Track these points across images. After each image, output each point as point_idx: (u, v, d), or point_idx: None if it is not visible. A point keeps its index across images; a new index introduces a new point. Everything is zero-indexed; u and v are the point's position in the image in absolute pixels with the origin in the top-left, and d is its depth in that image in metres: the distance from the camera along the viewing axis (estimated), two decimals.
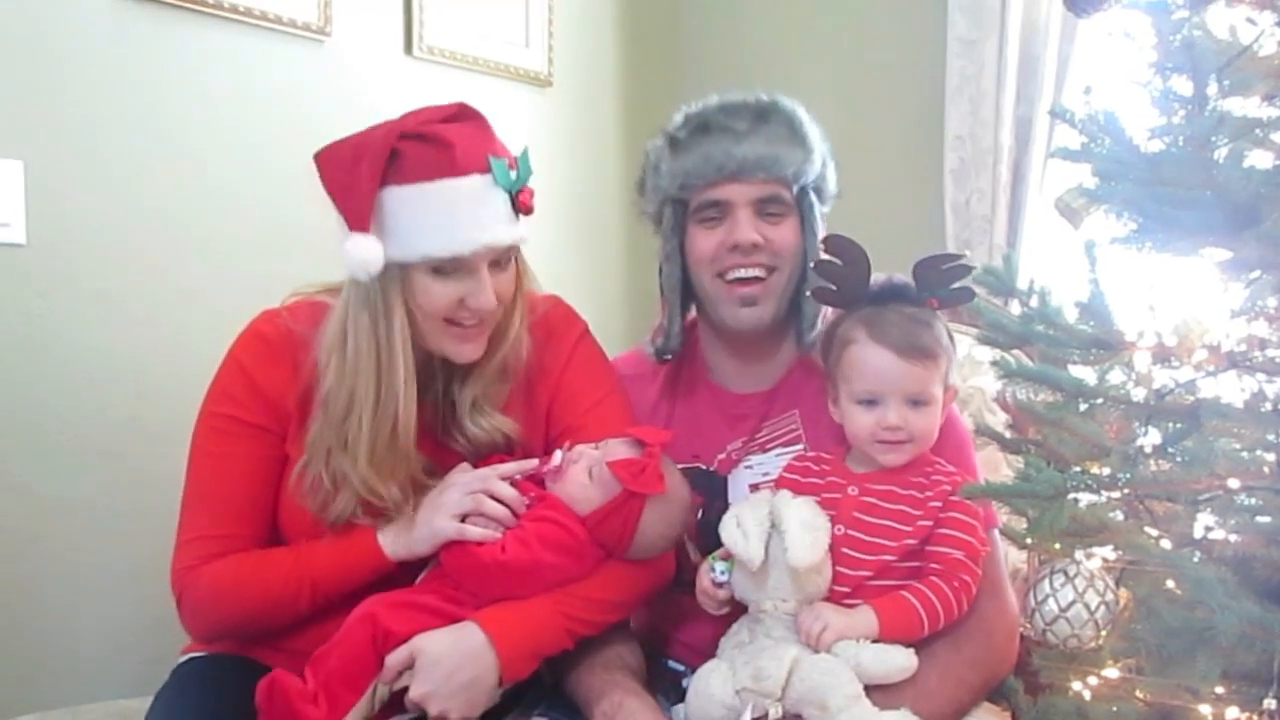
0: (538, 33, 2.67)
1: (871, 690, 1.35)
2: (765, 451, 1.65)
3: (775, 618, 1.41)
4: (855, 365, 1.47)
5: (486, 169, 1.41)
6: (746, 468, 1.65)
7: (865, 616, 1.38)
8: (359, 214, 1.38)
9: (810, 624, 1.37)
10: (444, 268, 1.42)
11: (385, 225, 1.39)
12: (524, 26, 2.65)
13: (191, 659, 1.57)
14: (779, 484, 1.54)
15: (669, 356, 1.67)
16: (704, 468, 1.65)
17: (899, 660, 1.37)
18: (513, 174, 1.44)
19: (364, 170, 1.38)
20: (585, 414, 1.59)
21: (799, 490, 1.50)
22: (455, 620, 1.42)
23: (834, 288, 1.50)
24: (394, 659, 1.39)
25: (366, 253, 1.38)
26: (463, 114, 1.46)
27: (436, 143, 1.40)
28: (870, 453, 1.48)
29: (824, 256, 1.51)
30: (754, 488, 1.59)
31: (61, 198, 1.89)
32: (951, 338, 1.50)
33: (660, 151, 1.61)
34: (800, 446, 1.62)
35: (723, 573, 1.46)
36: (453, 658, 1.38)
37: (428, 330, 1.45)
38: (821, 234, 1.58)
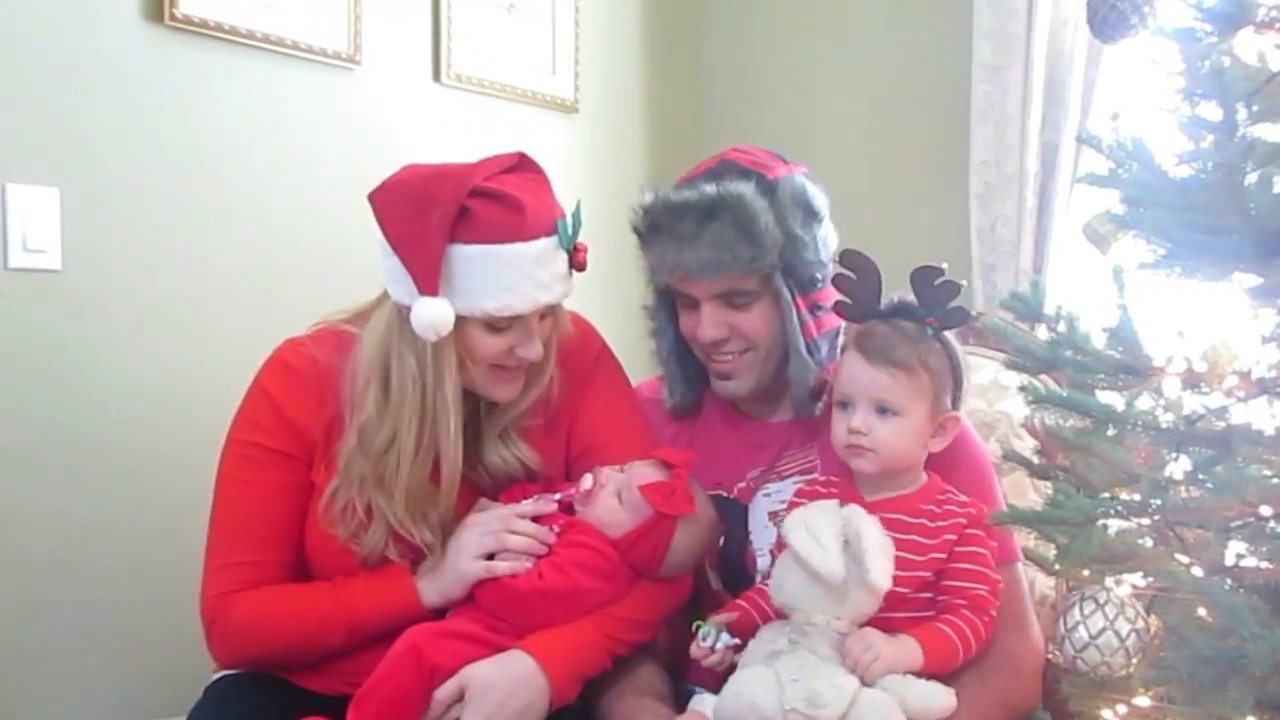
0: (564, 60, 2.69)
1: None
2: (783, 479, 1.64)
3: (824, 634, 1.37)
4: (839, 370, 1.49)
5: (553, 231, 1.43)
6: (764, 495, 1.64)
7: (912, 649, 1.35)
8: (429, 276, 1.36)
9: (860, 652, 1.33)
10: (499, 323, 1.42)
11: (449, 280, 1.38)
12: (551, 54, 2.67)
13: (224, 677, 1.57)
14: (791, 507, 1.52)
15: (681, 413, 1.70)
16: (725, 495, 1.65)
17: (941, 701, 1.34)
18: (569, 231, 1.45)
19: (433, 227, 1.36)
20: (608, 433, 1.60)
21: None
22: (500, 649, 1.42)
23: (849, 301, 1.50)
24: (443, 693, 1.39)
25: (438, 316, 1.37)
26: (522, 164, 1.46)
27: (507, 203, 1.39)
28: (843, 459, 1.47)
29: (839, 270, 1.51)
30: (772, 515, 1.59)
31: (96, 224, 1.92)
32: (953, 362, 1.47)
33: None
34: (814, 475, 1.61)
35: (704, 637, 1.43)
36: (504, 685, 1.39)
37: (470, 374, 1.46)
38: (804, 304, 1.57)
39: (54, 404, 1.88)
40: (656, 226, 1.56)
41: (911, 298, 1.46)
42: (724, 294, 1.55)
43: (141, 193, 1.97)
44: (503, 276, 1.39)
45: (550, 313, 1.49)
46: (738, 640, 1.43)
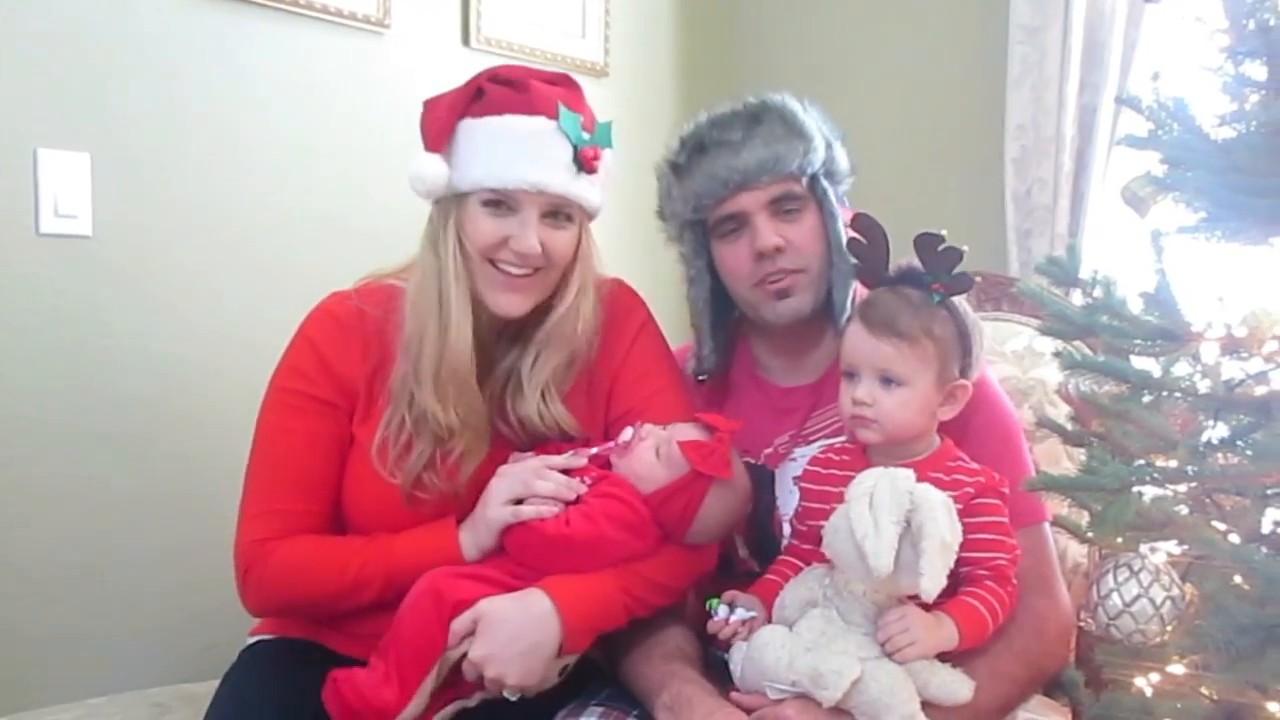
0: (594, 23, 2.68)
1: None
2: (809, 444, 1.64)
3: (858, 601, 1.36)
4: (843, 340, 1.47)
5: (554, 115, 1.45)
6: (791, 460, 1.64)
7: (948, 629, 1.34)
8: (433, 137, 1.46)
9: (898, 635, 1.31)
10: (495, 201, 1.46)
11: (455, 154, 1.46)
12: (581, 17, 2.65)
13: (259, 641, 1.59)
14: (805, 475, 1.52)
15: (704, 377, 1.69)
16: (752, 462, 1.64)
17: (961, 693, 1.34)
18: (585, 134, 1.47)
19: (450, 100, 1.48)
20: (647, 399, 1.59)
21: (821, 481, 1.47)
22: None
23: (858, 264, 1.50)
24: (459, 623, 1.39)
25: (428, 169, 1.46)
26: (562, 79, 1.52)
27: (516, 85, 1.47)
28: (850, 428, 1.46)
29: (851, 234, 1.50)
30: (799, 480, 1.58)
31: (127, 190, 1.93)
32: (961, 329, 1.45)
33: (668, 179, 1.63)
34: (843, 439, 1.61)
35: (716, 612, 1.43)
36: (517, 622, 1.39)
37: (474, 271, 1.48)
38: (845, 214, 1.57)
39: (85, 368, 1.89)
40: (703, 145, 1.58)
41: (919, 263, 1.45)
42: (777, 200, 1.56)
43: (172, 157, 1.98)
44: (499, 149, 1.44)
45: (561, 219, 1.49)
46: (754, 613, 1.43)
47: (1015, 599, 1.40)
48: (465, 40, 2.42)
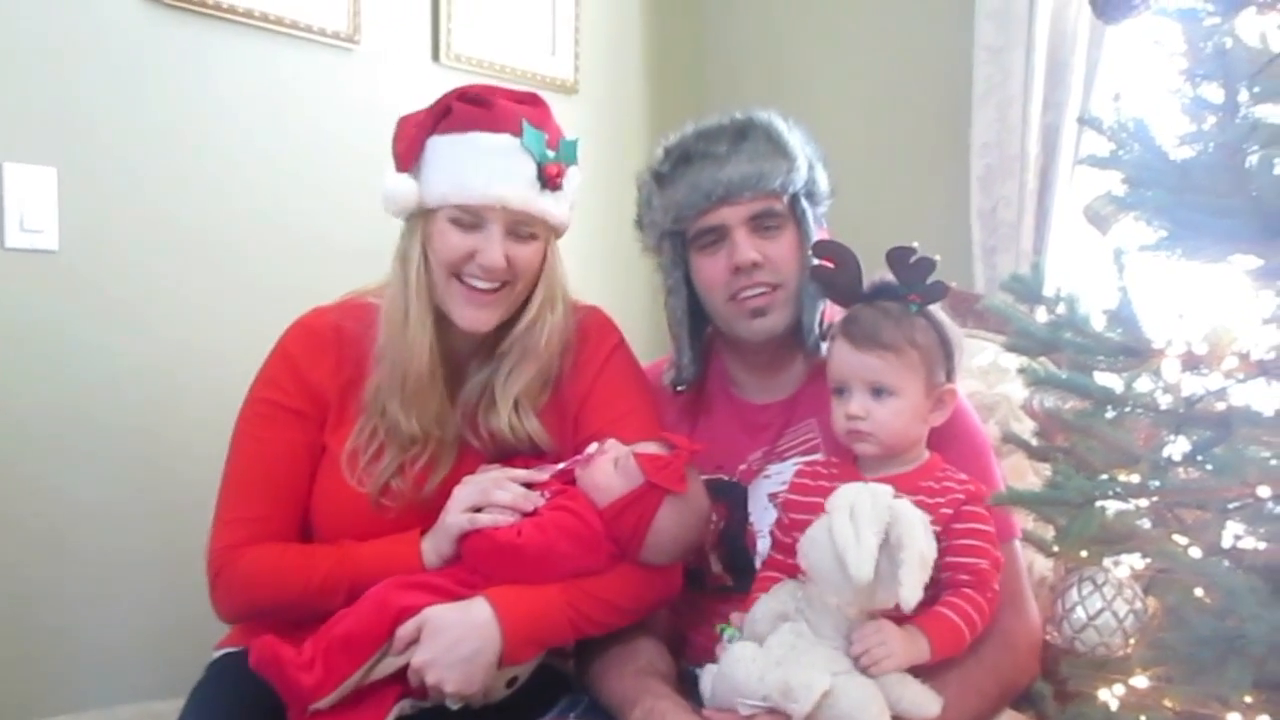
0: (564, 40, 2.69)
1: None
2: (783, 460, 1.64)
3: (831, 614, 1.36)
4: (829, 358, 1.49)
5: (519, 132, 1.48)
6: (765, 477, 1.65)
7: (922, 644, 1.35)
8: (402, 156, 1.51)
9: (875, 647, 1.32)
10: (461, 218, 1.49)
11: (423, 171, 1.50)
12: (550, 34, 2.67)
13: (226, 654, 1.59)
14: (791, 488, 1.53)
15: (682, 388, 1.69)
16: (726, 479, 1.65)
17: (930, 709, 1.35)
18: (550, 152, 1.50)
19: (419, 120, 1.52)
20: (614, 421, 1.60)
21: (809, 493, 1.48)
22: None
23: (832, 289, 1.52)
24: (404, 630, 1.40)
25: (397, 188, 1.50)
26: (529, 98, 1.55)
27: (483, 103, 1.50)
28: (846, 444, 1.48)
29: (816, 262, 1.52)
30: (773, 497, 1.59)
31: (93, 204, 1.92)
32: (941, 335, 1.47)
33: (649, 188, 1.64)
34: (819, 455, 1.62)
35: (729, 639, 1.43)
36: (458, 628, 1.40)
37: (439, 285, 1.51)
38: (823, 235, 1.59)
39: (51, 384, 1.88)
40: (688, 155, 1.59)
41: (889, 278, 1.47)
42: (757, 216, 1.57)
43: (139, 172, 1.97)
44: (464, 163, 1.48)
45: (525, 235, 1.52)
46: None
47: (994, 604, 1.41)
48: (435, 57, 2.43)
